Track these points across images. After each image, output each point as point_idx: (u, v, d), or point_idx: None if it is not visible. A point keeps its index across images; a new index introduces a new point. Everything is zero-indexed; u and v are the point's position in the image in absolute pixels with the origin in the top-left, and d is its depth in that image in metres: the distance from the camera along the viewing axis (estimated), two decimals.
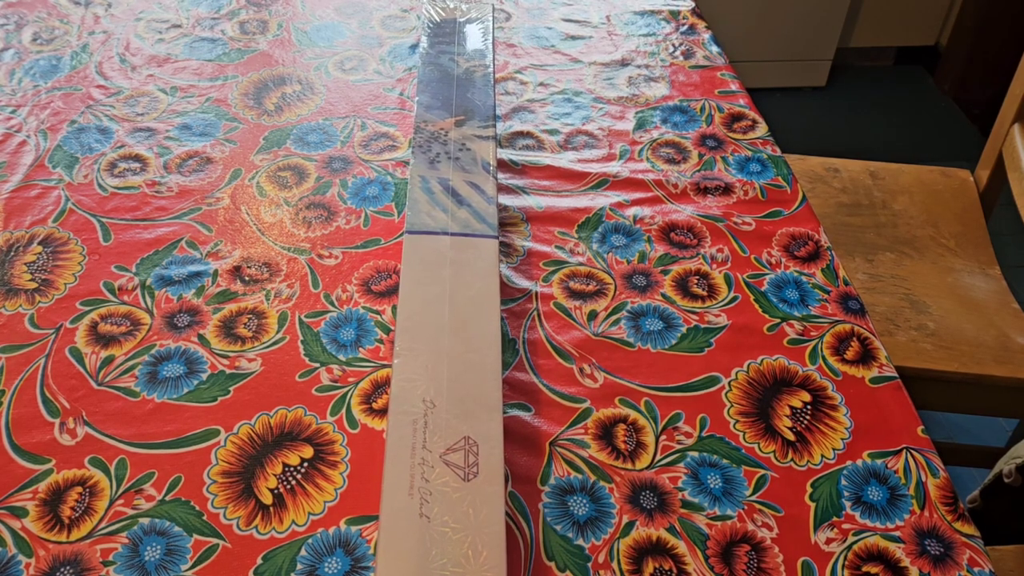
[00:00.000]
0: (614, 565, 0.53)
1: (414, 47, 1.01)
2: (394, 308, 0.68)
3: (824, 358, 0.66)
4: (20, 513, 0.55)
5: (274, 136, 0.87)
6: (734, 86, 0.97)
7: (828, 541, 0.55)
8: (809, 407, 0.63)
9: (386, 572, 0.45)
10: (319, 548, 0.54)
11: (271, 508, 0.56)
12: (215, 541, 0.54)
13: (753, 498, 0.57)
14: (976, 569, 0.54)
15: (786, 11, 1.98)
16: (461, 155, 0.69)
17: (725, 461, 0.59)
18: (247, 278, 0.72)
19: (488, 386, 0.54)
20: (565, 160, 0.85)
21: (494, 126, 0.71)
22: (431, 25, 0.82)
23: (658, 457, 0.59)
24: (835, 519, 0.56)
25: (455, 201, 0.65)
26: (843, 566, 0.54)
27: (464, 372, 0.54)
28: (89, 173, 0.82)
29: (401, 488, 0.48)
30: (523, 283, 0.72)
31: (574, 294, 0.71)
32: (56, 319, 0.68)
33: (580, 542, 0.55)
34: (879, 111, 2.10)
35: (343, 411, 0.61)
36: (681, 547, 0.55)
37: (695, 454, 0.60)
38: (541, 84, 0.96)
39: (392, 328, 0.66)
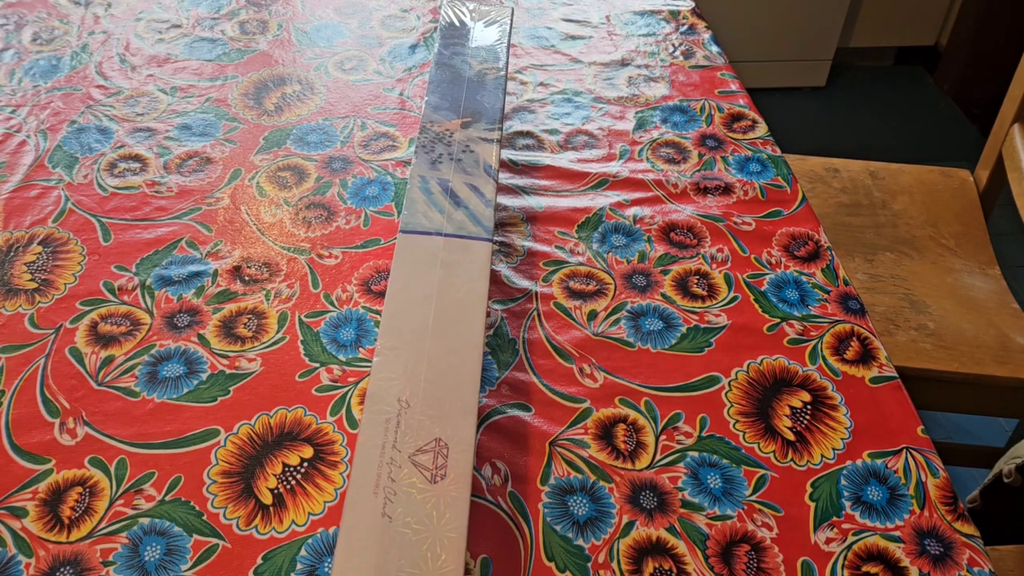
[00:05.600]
0: (614, 565, 0.53)
1: (414, 47, 1.01)
2: None
3: (824, 358, 0.66)
4: (20, 513, 0.55)
5: (274, 136, 0.87)
6: (734, 86, 0.97)
7: (828, 541, 0.55)
8: (809, 407, 0.63)
9: (343, 569, 0.45)
10: (319, 548, 0.54)
11: (271, 508, 0.56)
12: (215, 541, 0.54)
13: (753, 498, 0.57)
14: (976, 569, 0.54)
15: (786, 11, 1.98)
16: (464, 157, 0.68)
17: (725, 461, 0.59)
18: (247, 278, 0.72)
19: (465, 389, 0.54)
20: (565, 160, 0.85)
21: (500, 129, 0.71)
22: (447, 26, 0.82)
23: (658, 457, 0.59)
24: (835, 519, 0.56)
25: (452, 203, 0.64)
26: (843, 566, 0.54)
27: (443, 374, 0.54)
28: (89, 173, 0.82)
29: (366, 486, 0.48)
30: (523, 283, 0.72)
31: (574, 294, 0.71)
32: (56, 319, 0.68)
33: (580, 542, 0.55)
34: (879, 111, 2.10)
35: (343, 411, 0.61)
36: (681, 547, 0.55)
37: (695, 454, 0.60)
38: (541, 84, 0.96)
39: None
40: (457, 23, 0.83)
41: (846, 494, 0.58)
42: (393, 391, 0.53)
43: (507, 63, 0.78)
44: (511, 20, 0.84)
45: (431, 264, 0.60)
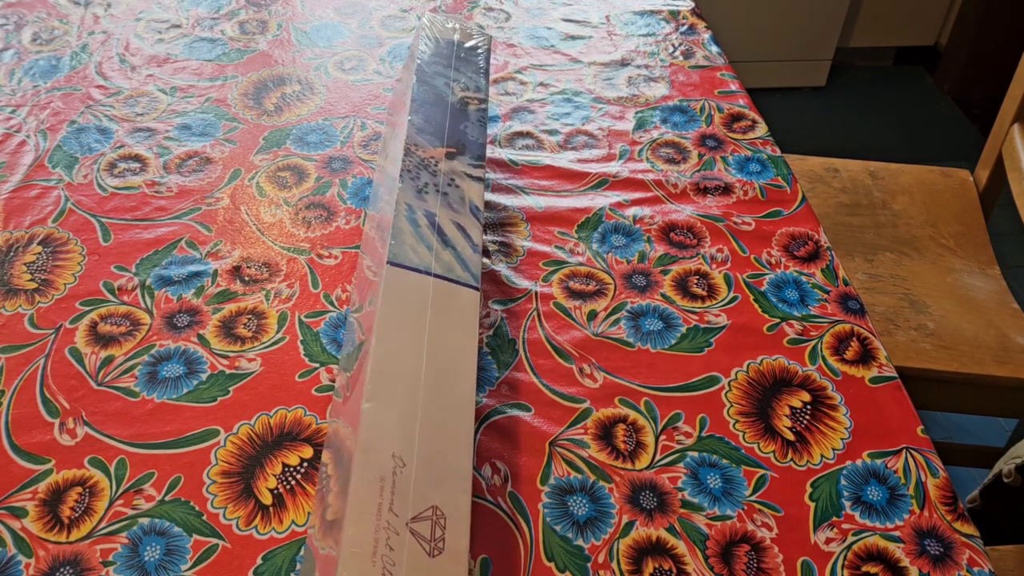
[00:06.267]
0: (614, 565, 0.53)
1: None
2: None
3: (824, 358, 0.66)
4: (20, 513, 0.55)
5: (274, 136, 0.87)
6: (734, 86, 0.97)
7: (828, 541, 0.55)
8: (809, 407, 0.63)
9: None
10: None
11: (271, 508, 0.56)
12: (215, 541, 0.54)
13: (753, 498, 0.57)
14: (976, 569, 0.54)
15: (786, 11, 1.98)
16: (450, 191, 0.64)
17: (725, 461, 0.59)
18: (247, 278, 0.72)
19: (460, 455, 0.50)
20: (565, 160, 0.85)
21: (484, 167, 0.68)
22: (429, 41, 0.78)
23: (658, 457, 0.59)
24: (835, 519, 0.56)
25: (440, 240, 0.60)
26: (843, 566, 0.54)
27: (436, 433, 0.50)
28: (89, 173, 0.82)
29: (364, 553, 0.44)
30: (523, 283, 0.72)
31: (574, 294, 0.71)
32: (56, 319, 0.68)
33: (580, 542, 0.55)
34: (879, 111, 2.10)
35: None
36: (681, 547, 0.55)
37: (695, 454, 0.60)
38: (541, 84, 0.96)
39: None
40: (439, 39, 0.79)
41: (846, 494, 0.58)
42: (387, 446, 0.48)
43: (487, 95, 0.76)
44: (489, 47, 0.81)
45: (421, 307, 0.56)
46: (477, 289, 0.59)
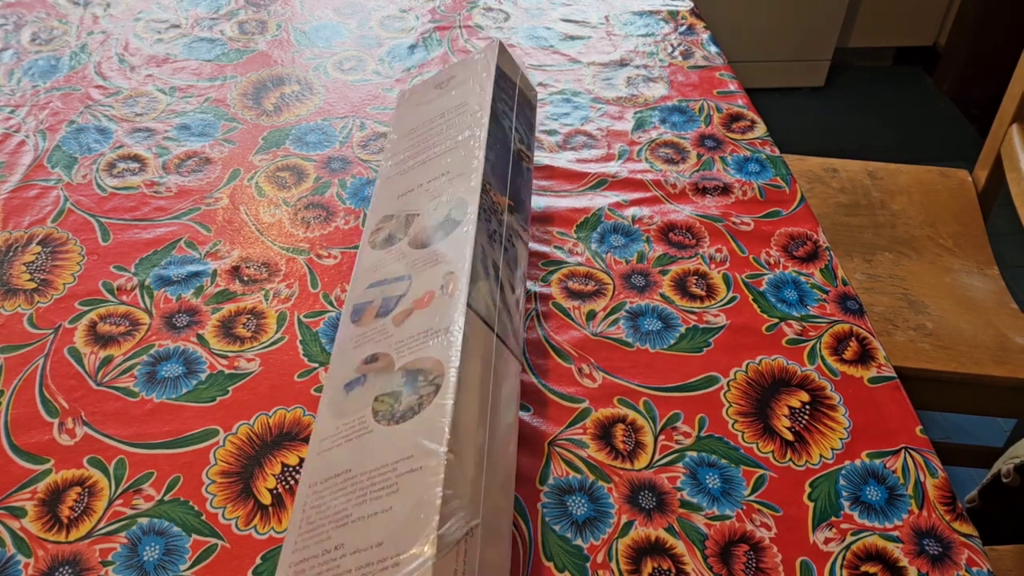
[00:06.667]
0: (612, 565, 0.53)
1: (413, 47, 1.01)
2: None
3: (823, 358, 0.67)
4: (19, 513, 0.55)
5: (273, 136, 0.87)
6: (733, 86, 0.97)
7: (827, 541, 0.55)
8: (808, 407, 0.63)
9: None
10: None
11: (270, 508, 0.56)
12: (214, 541, 0.54)
13: (752, 498, 0.57)
14: (974, 569, 0.54)
15: (785, 11, 1.98)
16: (509, 248, 0.61)
17: (724, 461, 0.59)
18: (246, 278, 0.72)
19: (502, 551, 0.49)
20: (564, 160, 0.85)
21: (529, 233, 0.64)
22: (499, 71, 0.72)
23: (657, 457, 0.59)
24: (833, 519, 0.56)
25: (501, 299, 0.57)
26: (842, 566, 0.54)
27: (492, 517, 0.48)
28: (88, 173, 0.82)
29: None
30: None
31: (573, 294, 0.71)
32: (55, 319, 0.68)
33: (579, 542, 0.55)
34: (878, 111, 2.10)
35: None
36: (680, 547, 0.55)
37: (694, 454, 0.60)
38: (540, 84, 0.96)
39: None
40: (508, 76, 0.74)
41: (845, 494, 0.58)
42: (462, 509, 0.46)
43: (533, 157, 0.71)
44: (536, 102, 0.76)
45: (487, 366, 0.54)
46: (520, 363, 0.58)
